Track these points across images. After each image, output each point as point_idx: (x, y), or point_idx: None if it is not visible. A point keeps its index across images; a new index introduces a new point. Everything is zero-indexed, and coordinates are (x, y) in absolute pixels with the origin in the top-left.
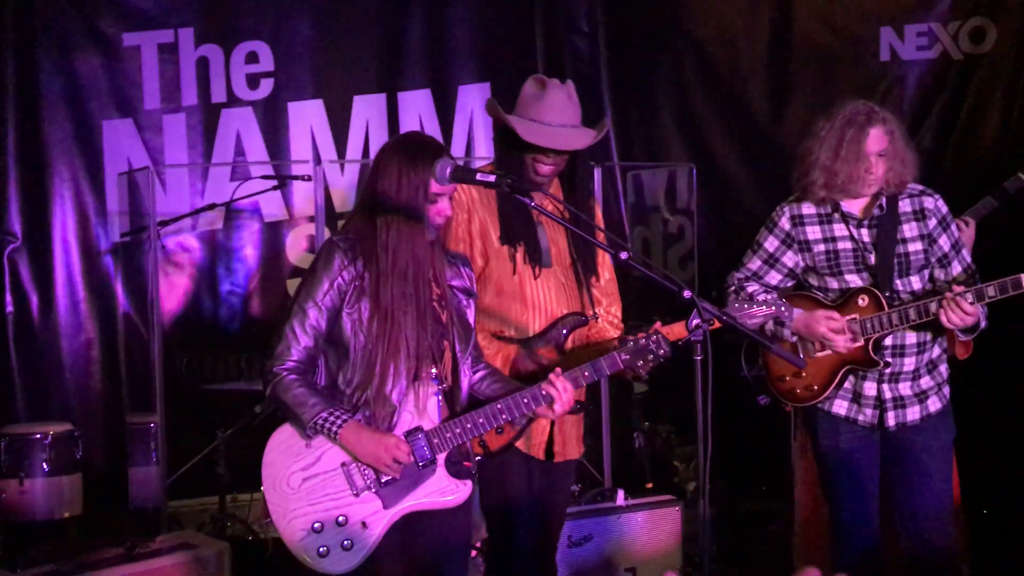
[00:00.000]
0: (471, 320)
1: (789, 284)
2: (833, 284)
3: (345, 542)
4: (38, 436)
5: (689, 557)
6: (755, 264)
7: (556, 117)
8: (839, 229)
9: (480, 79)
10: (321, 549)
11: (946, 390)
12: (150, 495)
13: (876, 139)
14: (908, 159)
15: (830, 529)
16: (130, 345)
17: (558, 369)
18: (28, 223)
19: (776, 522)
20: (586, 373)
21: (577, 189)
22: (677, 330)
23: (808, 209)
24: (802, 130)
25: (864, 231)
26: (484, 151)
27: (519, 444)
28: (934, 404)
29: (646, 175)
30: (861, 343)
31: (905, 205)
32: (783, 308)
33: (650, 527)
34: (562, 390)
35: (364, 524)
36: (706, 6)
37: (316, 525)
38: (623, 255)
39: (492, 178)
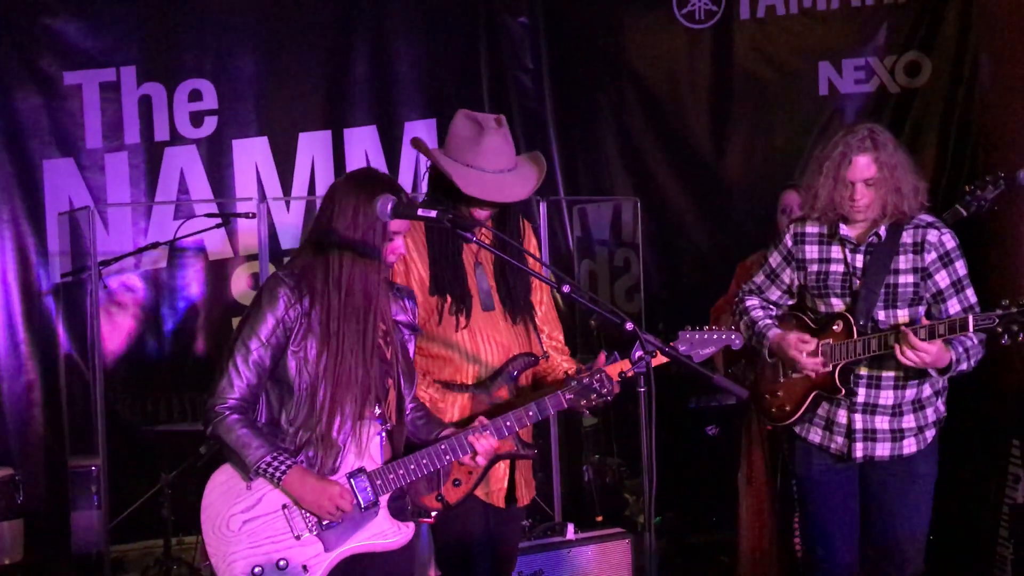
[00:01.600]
0: (412, 354)
1: (789, 301)
2: (821, 307)
3: None
4: None
5: None
6: (759, 278)
7: (493, 163)
8: (835, 252)
9: (426, 115)
10: None
11: (929, 433)
12: (93, 540)
13: (861, 167)
14: (906, 190)
15: (805, 558)
16: (72, 387)
17: (481, 418)
18: None
19: (725, 553)
20: (530, 412)
21: (509, 223)
22: (622, 364)
23: (811, 228)
24: (743, 163)
25: (859, 257)
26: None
27: (478, 492)
28: (909, 446)
29: (592, 208)
30: (829, 369)
31: (907, 236)
32: (735, 338)
33: (600, 560)
34: (484, 440)
35: (305, 568)
36: (648, 43)
37: (256, 569)
38: (566, 288)
39: (434, 214)
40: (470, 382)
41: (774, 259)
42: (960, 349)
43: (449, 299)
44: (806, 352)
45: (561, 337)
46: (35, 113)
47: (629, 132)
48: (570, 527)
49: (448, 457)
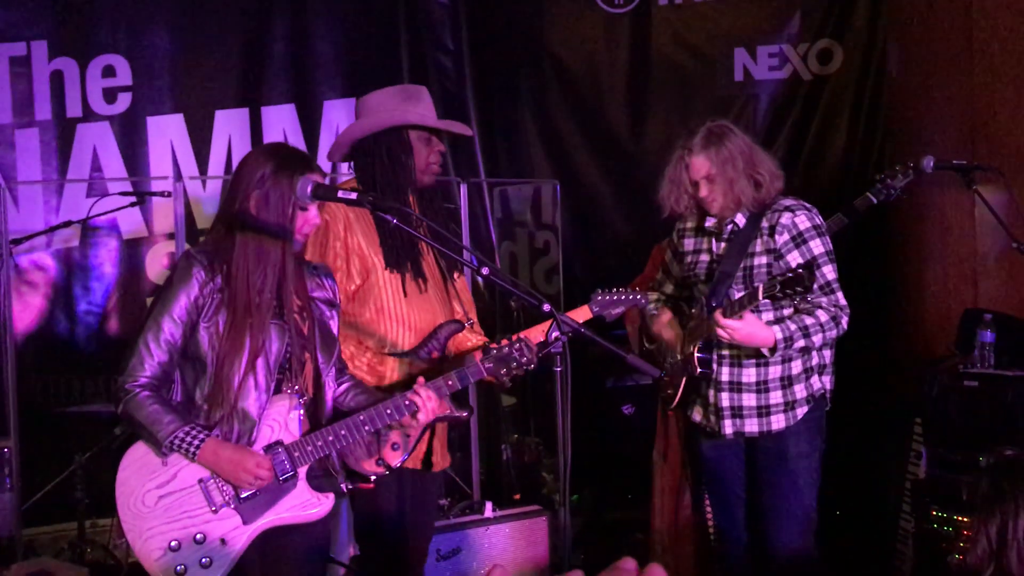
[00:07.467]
0: (335, 330)
1: (685, 294)
2: (694, 293)
3: (203, 559)
4: None
5: (557, 566)
6: (659, 275)
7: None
8: (704, 242)
9: (345, 94)
10: (179, 568)
11: (800, 410)
12: (4, 523)
13: (696, 167)
14: (740, 183)
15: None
16: None
17: (421, 379)
18: None
19: (640, 529)
20: (450, 382)
21: (433, 202)
22: (535, 334)
23: (689, 223)
24: (661, 147)
25: (721, 244)
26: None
27: None
28: (778, 422)
29: (512, 191)
30: (692, 351)
31: (764, 221)
32: (641, 299)
33: (518, 538)
34: (426, 399)
35: (223, 541)
36: (567, 26)
37: (173, 543)
38: (485, 271)
39: (354, 196)
40: (406, 347)
41: (667, 256)
42: (793, 327)
43: (409, 271)
44: (668, 338)
45: (475, 317)
46: None
47: (549, 115)
48: (488, 505)
49: (367, 427)
